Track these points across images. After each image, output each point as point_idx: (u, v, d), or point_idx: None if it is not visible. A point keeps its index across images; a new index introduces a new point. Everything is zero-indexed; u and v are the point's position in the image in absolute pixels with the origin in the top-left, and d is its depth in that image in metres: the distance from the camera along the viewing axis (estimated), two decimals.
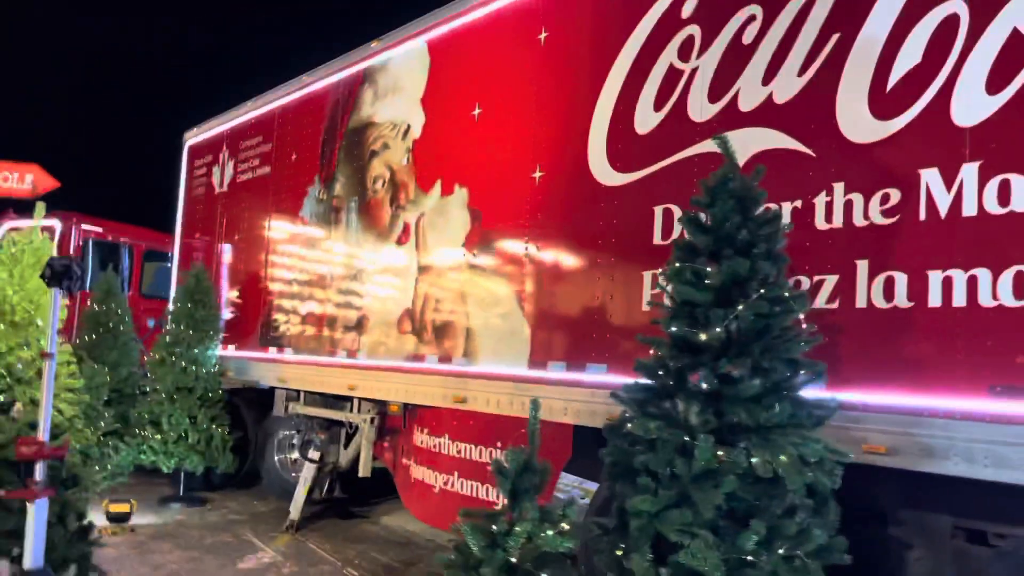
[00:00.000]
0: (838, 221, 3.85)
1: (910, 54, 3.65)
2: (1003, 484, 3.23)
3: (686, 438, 2.77)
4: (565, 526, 2.75)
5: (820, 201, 3.92)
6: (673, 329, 2.98)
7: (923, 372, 3.48)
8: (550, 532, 2.68)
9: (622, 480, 2.93)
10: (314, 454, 7.67)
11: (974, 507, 3.70)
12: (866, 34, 3.81)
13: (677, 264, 3.05)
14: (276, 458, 8.76)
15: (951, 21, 3.52)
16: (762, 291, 2.88)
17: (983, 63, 3.41)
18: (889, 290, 3.62)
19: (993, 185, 3.33)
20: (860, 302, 3.72)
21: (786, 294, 2.95)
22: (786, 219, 4.04)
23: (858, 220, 3.77)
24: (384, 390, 6.66)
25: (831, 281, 3.84)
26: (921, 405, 3.47)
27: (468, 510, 2.84)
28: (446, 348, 6.06)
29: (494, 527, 2.71)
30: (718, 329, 2.84)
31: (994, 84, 3.37)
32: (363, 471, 7.10)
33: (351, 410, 7.36)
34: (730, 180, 3.07)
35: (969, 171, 3.41)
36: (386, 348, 6.70)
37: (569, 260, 5.22)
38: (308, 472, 7.57)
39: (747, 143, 4.25)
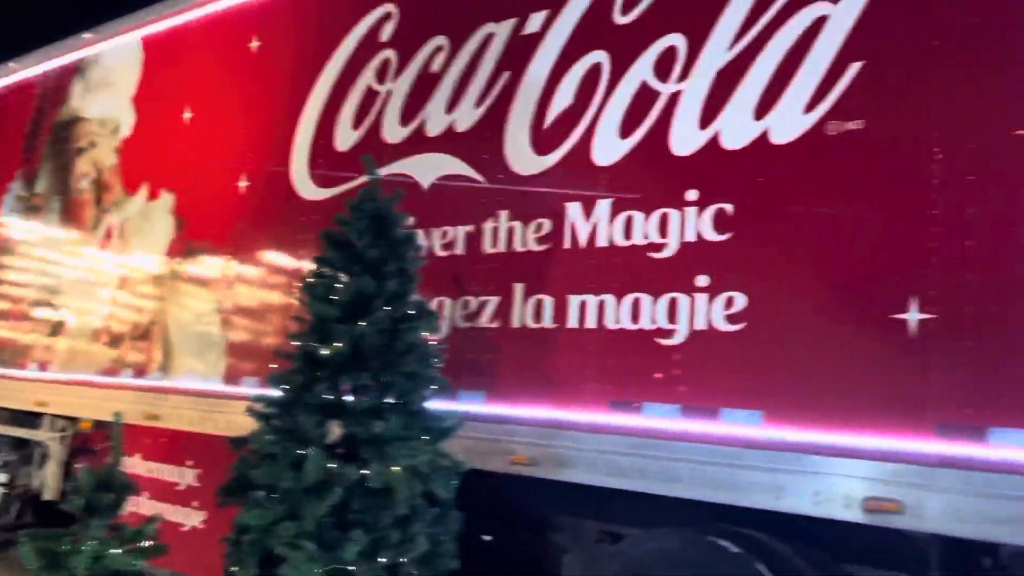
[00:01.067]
0: (502, 246, 4.10)
1: (564, 96, 3.97)
2: (631, 491, 3.55)
3: (301, 451, 2.82)
4: (148, 543, 2.69)
5: (488, 227, 4.16)
6: (298, 343, 3.03)
7: (561, 388, 3.77)
8: (118, 551, 2.61)
9: (239, 495, 2.93)
10: (2, 476, 6.95)
11: (614, 512, 4.05)
12: (530, 74, 4.10)
13: (310, 279, 3.11)
14: None
15: (596, 70, 3.88)
16: (387, 308, 3.01)
17: (618, 109, 3.78)
18: (538, 311, 3.90)
19: (620, 220, 3.70)
20: (516, 322, 3.98)
21: (412, 311, 3.10)
22: (460, 243, 4.26)
23: (518, 246, 4.04)
24: (76, 406, 6.18)
25: (493, 302, 4.07)
26: (558, 418, 3.75)
27: (31, 532, 2.70)
28: (142, 361, 5.75)
29: (62, 547, 2.59)
30: (340, 344, 2.93)
31: (625, 129, 3.75)
32: (48, 493, 6.52)
33: (45, 427, 6.75)
34: (368, 201, 3.19)
35: (603, 206, 3.76)
36: (82, 360, 6.23)
37: (269, 274, 5.15)
38: None
39: (432, 167, 4.44)
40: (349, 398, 2.98)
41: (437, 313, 3.39)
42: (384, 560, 2.73)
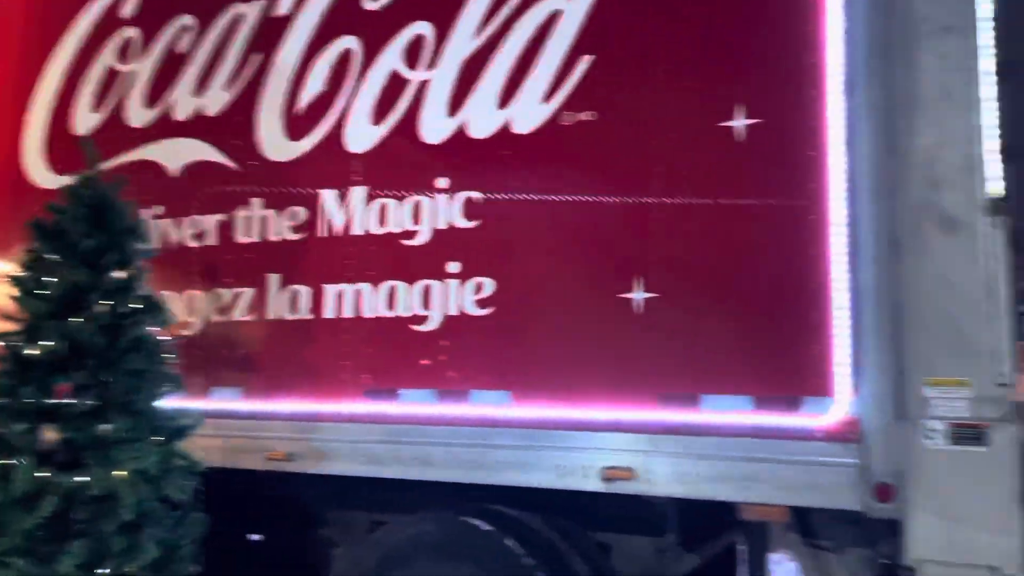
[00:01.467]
0: (255, 235, 3.95)
1: (315, 81, 3.88)
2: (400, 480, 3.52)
3: (7, 461, 2.57)
4: None
5: (241, 215, 3.99)
6: (3, 343, 2.76)
7: (319, 380, 3.71)
8: None
9: None
10: None
11: (384, 502, 4.02)
12: (281, 59, 3.96)
13: (18, 273, 2.84)
14: None
15: (348, 56, 3.82)
16: (109, 302, 2.80)
17: (370, 96, 3.75)
18: (294, 302, 3.81)
19: (375, 207, 3.68)
20: (271, 314, 3.86)
21: (138, 305, 2.91)
22: (212, 232, 4.06)
23: (272, 235, 3.91)
24: None
25: (248, 294, 3.92)
26: (316, 411, 3.69)
27: None
28: None
29: None
30: (51, 342, 2.69)
31: (377, 116, 3.72)
32: None
33: None
34: (84, 187, 2.95)
35: (358, 194, 3.72)
36: None
37: None
38: None
39: (181, 153, 4.21)
40: (68, 400, 2.74)
41: (167, 306, 3.19)
42: (107, 570, 2.54)
